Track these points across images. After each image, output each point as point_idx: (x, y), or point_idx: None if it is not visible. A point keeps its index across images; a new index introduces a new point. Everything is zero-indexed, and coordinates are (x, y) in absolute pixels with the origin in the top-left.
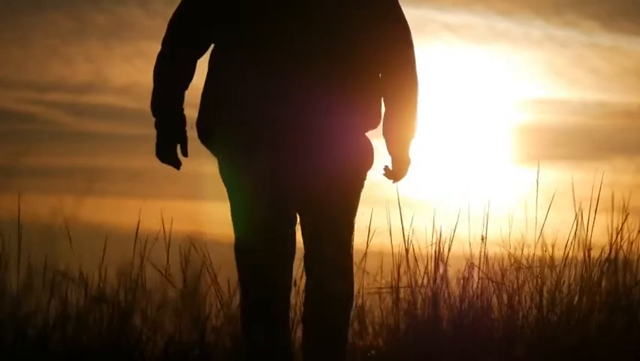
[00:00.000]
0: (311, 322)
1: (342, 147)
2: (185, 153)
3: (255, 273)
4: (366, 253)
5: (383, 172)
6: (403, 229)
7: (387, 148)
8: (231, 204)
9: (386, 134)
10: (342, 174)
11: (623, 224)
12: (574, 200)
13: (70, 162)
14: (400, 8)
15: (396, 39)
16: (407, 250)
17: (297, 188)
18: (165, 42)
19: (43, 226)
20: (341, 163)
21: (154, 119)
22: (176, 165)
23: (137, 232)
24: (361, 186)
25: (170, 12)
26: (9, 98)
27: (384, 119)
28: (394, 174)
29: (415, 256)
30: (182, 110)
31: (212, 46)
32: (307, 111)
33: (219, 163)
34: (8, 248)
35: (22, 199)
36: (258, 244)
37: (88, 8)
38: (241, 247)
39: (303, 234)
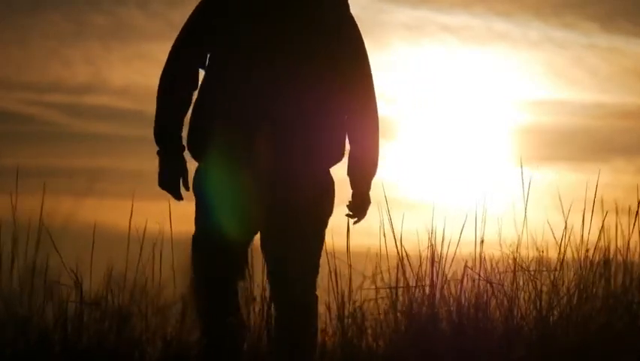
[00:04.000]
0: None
1: (309, 172)
2: (186, 186)
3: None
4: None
5: (347, 212)
6: (393, 230)
7: (352, 187)
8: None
9: (351, 174)
10: (307, 199)
11: (632, 225)
12: (580, 201)
13: (69, 163)
14: (364, 47)
15: (358, 81)
16: (406, 252)
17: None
18: (167, 67)
19: (42, 226)
20: (307, 189)
21: (157, 148)
22: (178, 195)
23: (129, 233)
24: (324, 222)
25: (169, 13)
26: (8, 98)
27: (349, 160)
28: (357, 213)
29: (409, 258)
30: (181, 137)
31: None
32: (278, 137)
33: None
34: (7, 249)
35: (20, 200)
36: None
37: (87, 9)
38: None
39: (266, 255)
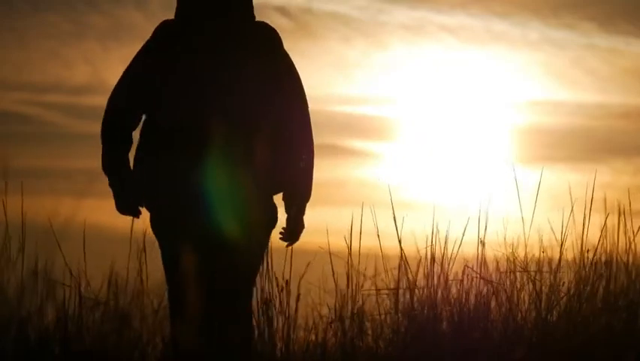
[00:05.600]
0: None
1: (253, 203)
2: (142, 204)
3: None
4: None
5: (280, 236)
6: (397, 230)
7: (286, 212)
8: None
9: (286, 200)
10: (250, 225)
11: (622, 225)
12: (572, 201)
13: (68, 164)
14: (301, 85)
15: (294, 112)
16: (405, 253)
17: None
18: (105, 118)
19: (42, 227)
20: (250, 217)
21: (108, 180)
22: (136, 214)
23: (131, 233)
24: (266, 242)
25: (167, 14)
26: (8, 99)
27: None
28: (290, 236)
29: (410, 258)
30: (129, 168)
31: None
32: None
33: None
34: (6, 250)
35: (20, 201)
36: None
37: (86, 10)
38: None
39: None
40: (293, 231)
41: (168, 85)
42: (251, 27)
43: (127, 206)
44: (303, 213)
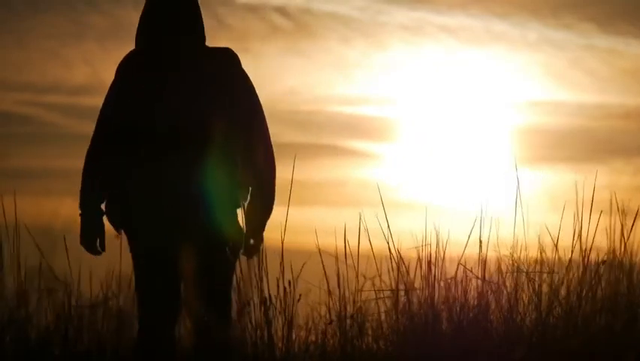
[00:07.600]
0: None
1: (215, 216)
2: (102, 247)
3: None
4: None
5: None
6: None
7: (246, 228)
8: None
9: (246, 217)
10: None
11: (622, 226)
12: (576, 202)
13: (68, 164)
14: (258, 100)
15: (255, 132)
16: (400, 254)
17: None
18: (89, 152)
19: (42, 228)
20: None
21: (79, 211)
22: (96, 253)
23: None
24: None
25: None
26: (7, 100)
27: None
28: (249, 251)
29: (409, 259)
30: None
31: None
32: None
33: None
34: (8, 251)
35: (20, 201)
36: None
37: (86, 10)
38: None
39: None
40: (253, 247)
41: (130, 99)
42: (205, 47)
43: (87, 242)
44: (262, 231)
